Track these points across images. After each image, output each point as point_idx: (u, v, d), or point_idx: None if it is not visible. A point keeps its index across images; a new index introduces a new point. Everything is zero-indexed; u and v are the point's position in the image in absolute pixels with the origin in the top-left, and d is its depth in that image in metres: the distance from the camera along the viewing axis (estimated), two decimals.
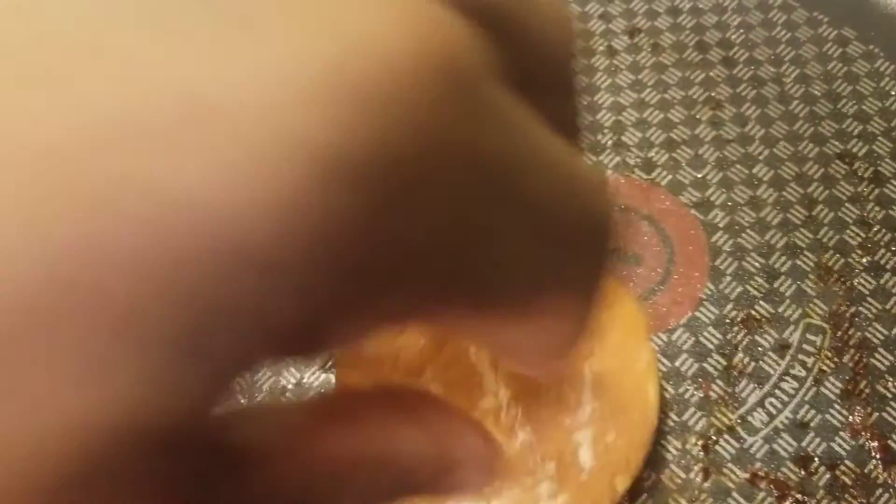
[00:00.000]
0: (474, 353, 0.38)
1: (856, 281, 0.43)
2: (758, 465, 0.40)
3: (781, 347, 0.42)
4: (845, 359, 0.41)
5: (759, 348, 0.42)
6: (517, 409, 0.37)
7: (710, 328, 0.43)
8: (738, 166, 0.46)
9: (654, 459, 0.40)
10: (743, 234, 0.44)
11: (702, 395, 0.41)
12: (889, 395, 0.41)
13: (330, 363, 0.43)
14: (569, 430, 0.37)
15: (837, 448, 0.40)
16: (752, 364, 0.42)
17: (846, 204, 0.45)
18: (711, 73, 0.49)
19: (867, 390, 0.41)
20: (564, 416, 0.37)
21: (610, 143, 0.47)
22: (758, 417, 0.41)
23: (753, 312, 0.43)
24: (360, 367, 0.38)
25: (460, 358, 0.38)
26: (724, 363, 0.42)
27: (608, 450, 0.36)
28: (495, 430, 0.37)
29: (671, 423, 0.41)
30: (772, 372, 0.42)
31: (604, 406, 0.37)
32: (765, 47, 0.49)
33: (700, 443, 0.40)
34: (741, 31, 0.50)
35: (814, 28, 0.50)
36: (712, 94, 0.48)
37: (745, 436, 0.40)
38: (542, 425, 0.37)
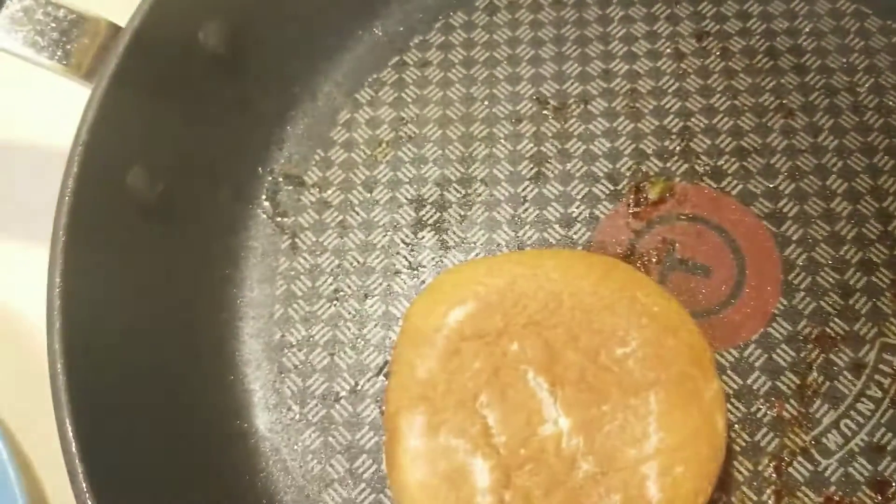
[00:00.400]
0: (533, 378, 0.36)
1: None
2: (832, 489, 0.38)
3: (857, 367, 0.40)
4: None
5: (834, 367, 0.40)
6: (579, 437, 0.35)
7: (783, 345, 0.41)
8: (812, 177, 0.44)
9: (724, 481, 0.39)
10: (817, 248, 0.43)
11: (774, 414, 0.40)
12: None
13: (385, 370, 0.42)
14: (635, 462, 0.35)
15: None
16: (827, 384, 0.40)
17: None
18: (783, 81, 0.47)
19: None
20: (630, 448, 0.35)
21: (678, 149, 0.46)
22: (832, 439, 0.39)
23: (828, 330, 0.41)
24: (411, 389, 0.37)
25: (517, 383, 0.36)
26: (798, 382, 0.40)
27: (676, 483, 0.34)
28: (556, 459, 0.35)
29: (742, 444, 0.39)
30: (847, 392, 0.40)
31: (671, 437, 0.35)
32: (837, 55, 0.48)
33: (773, 464, 0.39)
34: (813, 37, 0.48)
35: (887, 37, 0.48)
36: (784, 102, 0.47)
37: (820, 458, 0.39)
38: (606, 456, 0.35)
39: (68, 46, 0.40)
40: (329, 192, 0.46)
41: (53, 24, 0.40)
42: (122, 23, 0.41)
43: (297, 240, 0.45)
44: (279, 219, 0.46)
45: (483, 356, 0.37)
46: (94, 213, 0.37)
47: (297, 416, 0.41)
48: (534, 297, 0.38)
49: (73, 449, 0.31)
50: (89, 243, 0.36)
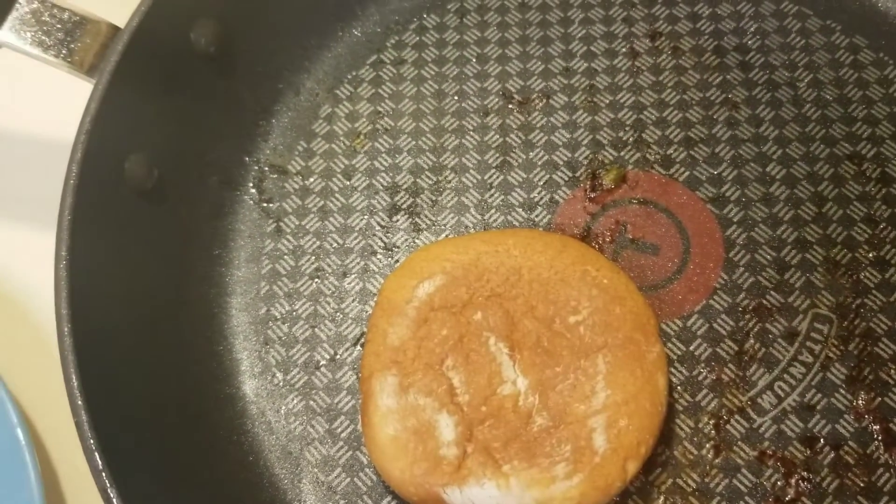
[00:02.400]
0: (494, 344, 0.40)
1: (862, 275, 0.46)
2: (766, 444, 0.42)
3: (791, 335, 0.44)
4: (850, 347, 0.44)
5: (770, 335, 0.44)
6: (535, 395, 0.39)
7: (724, 315, 0.45)
8: (753, 164, 0.49)
9: (668, 436, 0.43)
10: (756, 229, 0.47)
11: (714, 377, 0.44)
12: (891, 382, 0.43)
13: (361, 341, 0.46)
14: (584, 416, 0.39)
15: (842, 430, 0.42)
16: (763, 350, 0.44)
17: (854, 202, 0.47)
18: (728, 76, 0.51)
19: (871, 377, 0.43)
20: (580, 404, 0.39)
21: (631, 139, 0.50)
22: (767, 400, 0.43)
23: (764, 302, 0.45)
24: (383, 355, 0.41)
25: (480, 348, 0.40)
26: (736, 348, 0.44)
27: (620, 435, 0.38)
28: (513, 415, 0.39)
29: (685, 403, 0.43)
30: (781, 358, 0.44)
31: (616, 394, 0.39)
32: (780, 53, 0.52)
33: (712, 422, 0.43)
34: (757, 37, 0.52)
35: (827, 36, 0.52)
36: (729, 96, 0.51)
37: (755, 416, 0.43)
38: (558, 411, 0.39)
39: (72, 45, 0.44)
40: (311, 179, 0.50)
41: (59, 25, 0.44)
42: (122, 24, 0.44)
43: (281, 223, 0.49)
44: (265, 204, 0.50)
45: (450, 325, 0.41)
46: (96, 195, 0.41)
47: (281, 383, 0.45)
48: (496, 272, 0.42)
49: (79, 402, 0.35)
50: (92, 222, 0.40)
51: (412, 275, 0.42)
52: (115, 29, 0.45)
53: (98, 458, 0.35)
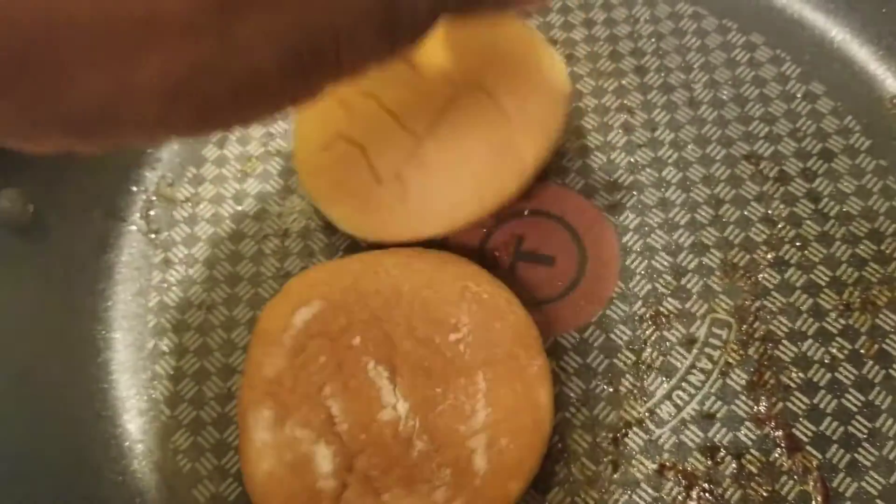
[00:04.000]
0: (374, 368, 0.39)
1: (760, 276, 0.45)
2: (666, 455, 0.41)
3: (689, 342, 0.43)
4: (750, 351, 0.43)
5: (667, 343, 0.43)
6: (416, 419, 0.38)
7: (620, 325, 0.44)
8: (648, 170, 0.48)
9: (565, 453, 0.41)
10: (652, 235, 0.46)
11: (612, 389, 0.43)
12: (793, 386, 0.42)
13: None
14: (463, 437, 0.37)
15: (743, 437, 0.41)
16: (661, 358, 0.43)
17: (752, 203, 0.46)
18: (623, 82, 0.50)
19: (772, 381, 0.42)
20: (460, 424, 0.38)
21: None
22: (665, 410, 0.42)
23: (662, 309, 0.44)
24: (258, 388, 0.39)
25: (359, 373, 0.39)
26: (634, 358, 0.43)
27: (501, 454, 0.37)
28: (393, 441, 0.37)
29: (581, 418, 0.42)
30: (679, 365, 0.43)
31: (496, 412, 0.38)
32: (675, 55, 0.51)
33: (610, 436, 0.42)
34: (653, 40, 0.52)
35: (723, 35, 0.52)
36: (624, 102, 0.50)
37: (654, 428, 0.42)
38: (439, 434, 0.37)
39: None
40: (200, 206, 0.49)
41: None
42: None
43: (169, 253, 0.48)
44: (152, 235, 0.48)
45: (328, 351, 0.39)
46: None
47: (167, 419, 0.44)
48: (375, 294, 0.40)
49: None
50: None
51: (288, 302, 0.41)
52: None
53: None
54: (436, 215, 0.43)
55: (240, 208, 0.49)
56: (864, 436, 0.40)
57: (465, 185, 0.43)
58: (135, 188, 0.49)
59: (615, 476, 0.41)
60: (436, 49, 0.44)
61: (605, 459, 0.41)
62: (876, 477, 0.40)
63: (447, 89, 0.43)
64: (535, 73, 0.43)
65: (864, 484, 0.40)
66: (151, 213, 0.49)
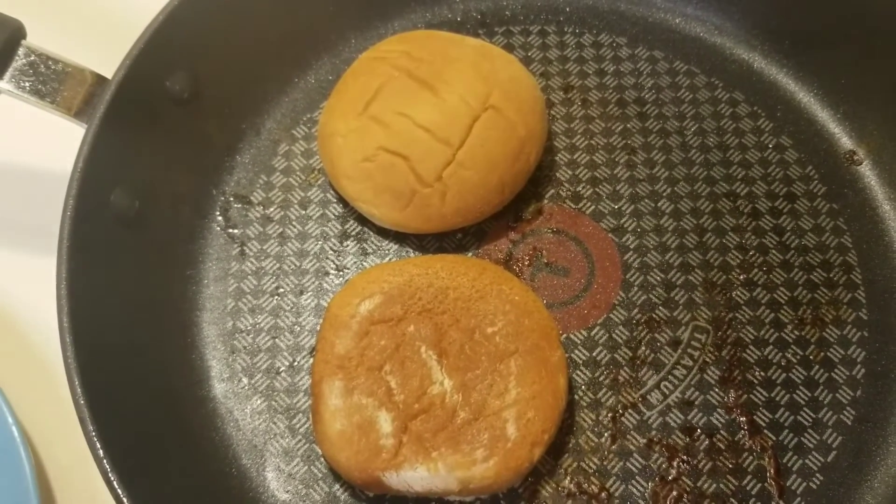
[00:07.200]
0: (425, 352, 0.48)
1: (734, 293, 0.55)
2: (654, 433, 0.51)
3: (675, 343, 0.54)
4: (723, 353, 0.53)
5: (658, 343, 0.54)
6: (459, 394, 0.47)
7: (621, 327, 0.54)
8: (647, 201, 0.58)
9: (573, 427, 0.51)
10: (648, 255, 0.56)
11: (612, 378, 0.53)
12: (756, 382, 0.52)
13: (314, 351, 0.53)
14: (498, 410, 0.47)
15: (715, 421, 0.51)
16: (652, 355, 0.53)
17: (729, 233, 0.57)
18: (628, 125, 0.61)
19: (739, 377, 0.53)
20: (495, 400, 0.47)
21: (545, 178, 0.59)
22: (654, 397, 0.52)
23: (654, 316, 0.54)
24: (331, 362, 0.48)
25: (413, 355, 0.48)
26: (630, 354, 0.53)
27: (528, 424, 0.47)
28: (441, 411, 0.47)
29: (588, 400, 0.52)
30: (666, 362, 0.53)
31: (525, 391, 0.47)
32: (671, 105, 0.61)
33: (610, 415, 0.52)
34: (653, 91, 0.62)
35: (711, 91, 0.62)
36: (628, 142, 0.60)
37: (645, 410, 0.52)
38: (478, 406, 0.47)
39: (64, 93, 0.50)
40: (271, 209, 0.58)
41: (53, 75, 0.50)
42: (105, 72, 0.51)
43: (245, 247, 0.57)
44: (230, 230, 0.57)
45: (387, 336, 0.49)
46: (88, 224, 0.48)
47: (246, 386, 0.52)
48: (426, 291, 0.50)
49: (81, 400, 0.42)
50: (85, 248, 0.47)
51: (355, 294, 0.50)
52: (99, 77, 0.51)
53: (99, 447, 0.41)
54: (469, 209, 0.53)
55: (304, 212, 0.58)
56: (809, 424, 0.51)
57: (492, 183, 0.53)
58: (214, 190, 0.58)
59: (613, 447, 0.51)
60: (452, 76, 0.53)
61: (605, 433, 0.51)
62: (817, 456, 0.50)
63: (465, 109, 0.53)
64: (532, 91, 0.55)
65: (807, 461, 0.50)
66: (229, 212, 0.57)
